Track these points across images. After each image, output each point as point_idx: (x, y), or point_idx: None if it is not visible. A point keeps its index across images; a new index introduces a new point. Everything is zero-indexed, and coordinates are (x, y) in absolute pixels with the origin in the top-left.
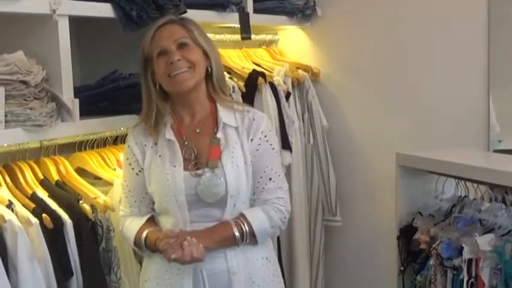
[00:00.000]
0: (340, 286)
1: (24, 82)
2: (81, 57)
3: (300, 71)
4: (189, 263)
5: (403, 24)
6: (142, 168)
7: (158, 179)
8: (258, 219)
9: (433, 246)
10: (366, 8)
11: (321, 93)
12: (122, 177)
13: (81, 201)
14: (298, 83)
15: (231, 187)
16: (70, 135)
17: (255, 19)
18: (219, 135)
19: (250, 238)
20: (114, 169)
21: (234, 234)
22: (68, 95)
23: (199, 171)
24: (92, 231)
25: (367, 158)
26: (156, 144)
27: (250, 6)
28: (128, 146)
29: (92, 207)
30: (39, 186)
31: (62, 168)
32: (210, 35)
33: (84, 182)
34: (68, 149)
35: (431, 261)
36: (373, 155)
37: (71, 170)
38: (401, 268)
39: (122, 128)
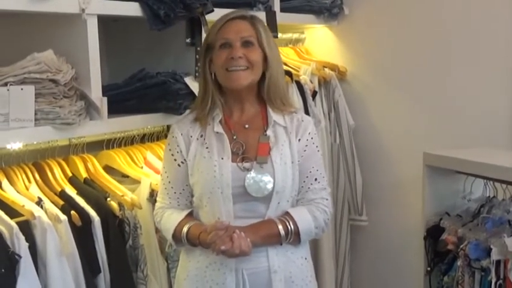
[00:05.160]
0: (365, 286)
1: (53, 81)
2: (109, 56)
3: (326, 69)
4: (236, 256)
5: (430, 24)
6: (184, 160)
7: (203, 169)
8: (303, 218)
9: (461, 247)
10: (393, 7)
11: (347, 92)
12: (161, 168)
13: (108, 199)
14: (324, 82)
15: (277, 184)
16: (98, 133)
17: (281, 18)
18: (269, 132)
19: (294, 237)
20: (141, 167)
21: (279, 232)
22: (96, 94)
23: (246, 165)
24: (119, 229)
25: (394, 157)
26: (202, 136)
27: (277, 5)
28: (173, 137)
29: (120, 204)
30: (67, 183)
31: (90, 166)
32: None
33: (111, 180)
34: (96, 147)
35: (459, 262)
36: (400, 154)
37: (99, 167)
38: (428, 269)
39: (149, 126)
